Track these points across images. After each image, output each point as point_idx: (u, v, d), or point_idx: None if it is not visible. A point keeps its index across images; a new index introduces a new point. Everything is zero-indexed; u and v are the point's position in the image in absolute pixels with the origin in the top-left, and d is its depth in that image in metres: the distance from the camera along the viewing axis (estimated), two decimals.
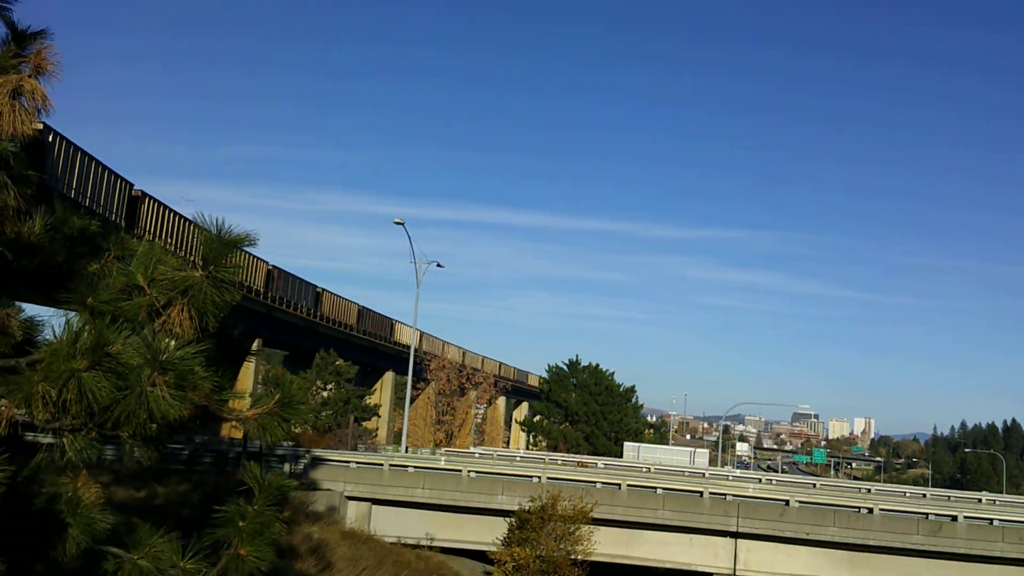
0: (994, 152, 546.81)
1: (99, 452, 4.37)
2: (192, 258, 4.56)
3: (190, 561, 4.62)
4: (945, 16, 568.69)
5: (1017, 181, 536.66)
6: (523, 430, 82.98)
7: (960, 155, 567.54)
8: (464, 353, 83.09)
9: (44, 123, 30.15)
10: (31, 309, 4.84)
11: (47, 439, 4.43)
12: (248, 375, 46.57)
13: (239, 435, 32.60)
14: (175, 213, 40.62)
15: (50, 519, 4.33)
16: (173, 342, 4.25)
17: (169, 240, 39.74)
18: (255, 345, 49.56)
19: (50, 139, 30.66)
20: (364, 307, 68.46)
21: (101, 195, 34.74)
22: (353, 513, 30.67)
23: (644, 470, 45.65)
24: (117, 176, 36.15)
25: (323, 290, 60.83)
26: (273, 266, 52.89)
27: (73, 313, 4.25)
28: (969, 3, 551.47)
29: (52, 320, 4.42)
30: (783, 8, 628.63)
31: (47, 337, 4.44)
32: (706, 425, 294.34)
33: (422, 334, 75.11)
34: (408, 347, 52.74)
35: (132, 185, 37.75)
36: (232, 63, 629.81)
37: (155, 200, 39.33)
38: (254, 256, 48.63)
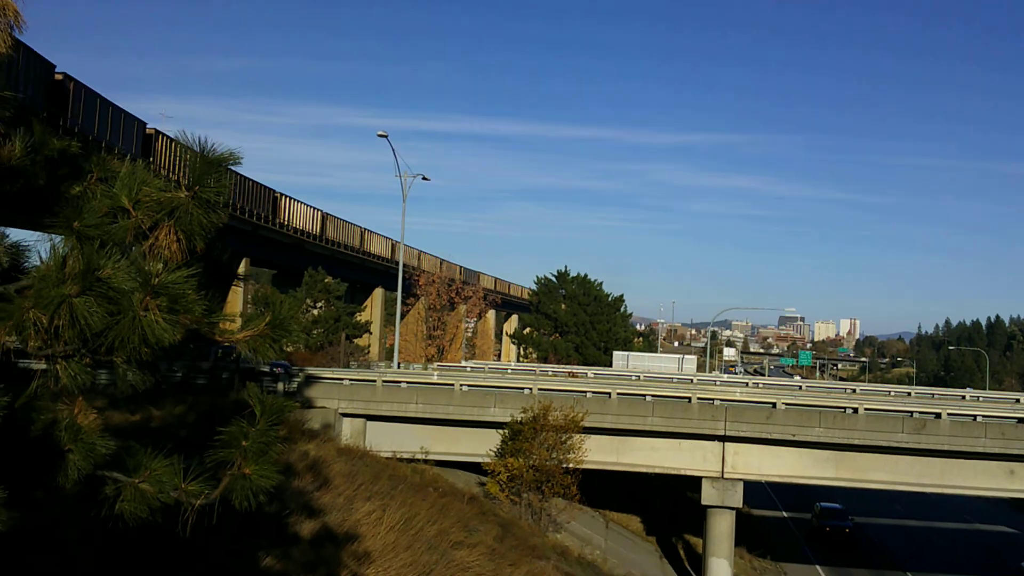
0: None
1: (93, 377, 4.31)
2: (175, 178, 4.47)
3: (191, 483, 4.62)
4: None
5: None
6: (513, 342, 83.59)
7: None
8: (460, 269, 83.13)
9: (65, 73, 33.92)
10: (15, 234, 4.75)
11: (41, 366, 4.38)
12: (238, 296, 46.59)
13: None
14: (187, 148, 41.46)
15: (49, 446, 4.29)
16: (163, 265, 4.17)
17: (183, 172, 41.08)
18: (243, 265, 49.38)
19: (71, 87, 34.03)
20: (365, 228, 68.62)
21: (119, 136, 38.14)
22: (348, 430, 30.98)
23: (633, 378, 46.19)
24: (132, 117, 39.39)
25: (327, 215, 60.82)
26: (280, 192, 52.93)
27: (58, 237, 4.15)
28: None
29: (38, 245, 4.33)
30: None
31: (34, 262, 4.34)
32: (694, 332, 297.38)
33: (420, 253, 75.13)
34: (397, 263, 52.58)
35: (146, 124, 41.07)
36: None
37: (167, 136, 41.69)
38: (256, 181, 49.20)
